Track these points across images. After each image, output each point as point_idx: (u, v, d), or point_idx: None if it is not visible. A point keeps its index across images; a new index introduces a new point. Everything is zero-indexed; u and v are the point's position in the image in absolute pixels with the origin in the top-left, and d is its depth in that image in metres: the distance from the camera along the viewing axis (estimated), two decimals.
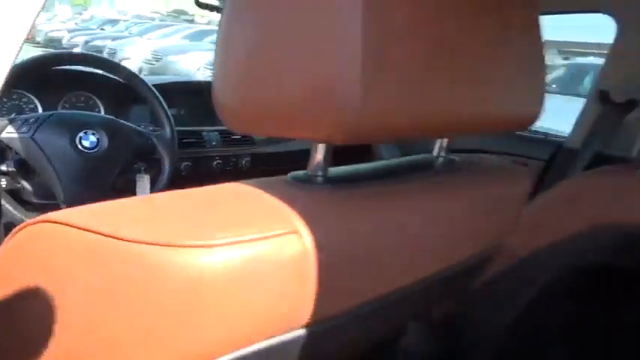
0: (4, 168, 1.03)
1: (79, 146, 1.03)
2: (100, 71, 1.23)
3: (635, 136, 1.33)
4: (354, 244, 0.34)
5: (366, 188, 0.37)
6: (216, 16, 1.52)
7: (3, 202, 0.99)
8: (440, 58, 0.34)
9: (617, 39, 1.33)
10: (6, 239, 0.32)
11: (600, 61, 1.48)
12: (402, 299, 0.40)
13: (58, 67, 1.15)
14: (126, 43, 9.34)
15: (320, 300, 0.32)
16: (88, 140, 1.04)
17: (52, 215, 0.30)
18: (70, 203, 0.98)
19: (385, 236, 0.36)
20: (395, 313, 0.43)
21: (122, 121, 1.14)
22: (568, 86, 5.54)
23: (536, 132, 3.08)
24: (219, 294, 0.28)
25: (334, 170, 0.39)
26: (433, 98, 0.34)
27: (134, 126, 1.15)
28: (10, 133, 0.99)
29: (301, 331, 0.33)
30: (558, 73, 6.09)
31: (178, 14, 20.60)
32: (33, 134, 0.99)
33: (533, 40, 0.42)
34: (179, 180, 1.27)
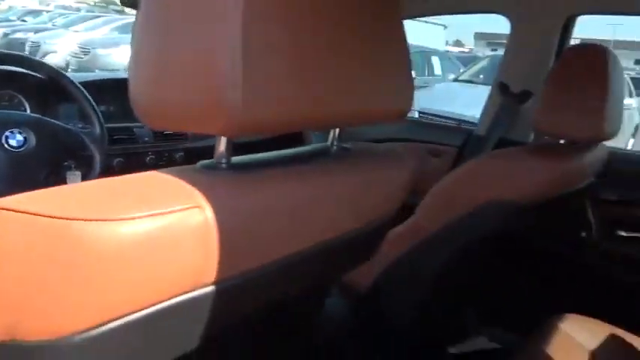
0: None
1: (6, 145, 1.04)
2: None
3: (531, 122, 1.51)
4: (250, 216, 0.41)
5: (264, 172, 0.45)
6: None
7: None
8: (316, 62, 0.42)
9: (511, 36, 1.49)
10: None
11: None
12: (297, 263, 0.48)
13: None
14: (50, 35, 8.82)
15: (221, 262, 0.39)
16: (15, 139, 1.05)
17: None
18: None
19: (278, 209, 0.44)
20: (293, 277, 0.51)
21: (49, 119, 1.15)
22: (492, 77, 5.86)
23: (456, 120, 3.28)
24: (129, 258, 0.34)
25: (237, 158, 0.46)
26: (311, 97, 0.42)
27: (62, 124, 1.15)
28: None
29: (208, 289, 0.40)
30: (484, 64, 6.39)
31: (106, 4, 19.68)
32: None
33: (399, 45, 0.51)
34: (112, 176, 1.29)
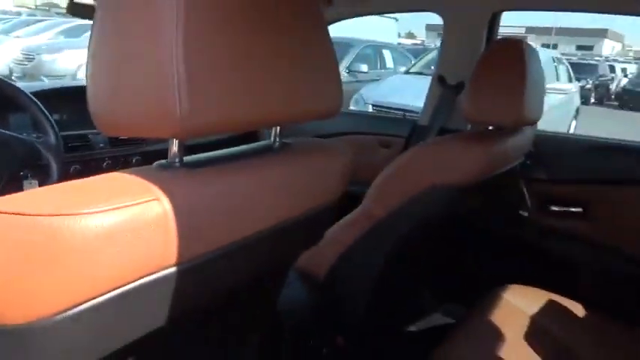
0: None
1: None
2: None
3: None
4: (202, 205, 0.47)
5: (213, 168, 0.51)
6: None
7: None
8: (253, 70, 0.48)
9: (444, 32, 1.60)
10: None
11: None
12: (248, 246, 0.55)
13: None
14: None
15: (180, 247, 0.45)
16: None
17: None
18: None
19: (227, 199, 0.50)
20: (247, 258, 0.58)
21: (1, 130, 1.15)
22: None
23: (407, 111, 3.40)
24: (98, 246, 0.39)
25: (190, 157, 0.52)
26: (251, 100, 0.48)
27: (15, 134, 1.16)
28: None
29: (169, 270, 0.46)
30: (433, 55, 6.56)
31: (49, 7, 18.91)
32: None
33: (326, 49, 0.58)
34: None
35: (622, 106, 12.09)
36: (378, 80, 5.96)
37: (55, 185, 0.43)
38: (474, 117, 1.12)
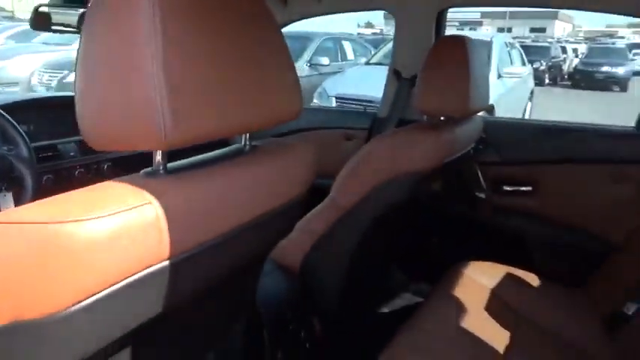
0: None
1: None
2: None
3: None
4: (187, 206, 0.54)
5: (194, 172, 0.57)
6: None
7: None
8: (222, 88, 0.55)
9: (396, 29, 1.69)
10: None
11: None
12: (229, 240, 0.62)
13: None
14: None
15: (172, 243, 0.52)
16: None
17: None
18: None
19: (208, 199, 0.57)
20: (230, 250, 0.65)
21: None
22: None
23: (368, 104, 3.48)
24: (101, 247, 0.45)
25: (172, 164, 0.58)
26: (221, 114, 0.55)
27: None
28: None
29: (163, 264, 0.53)
30: (390, 46, 6.66)
31: None
32: None
33: (282, 53, 0.64)
34: (43, 194, 1.33)
35: (574, 85, 12.58)
36: (339, 72, 6.04)
37: (58, 196, 0.49)
38: (425, 108, 1.20)
